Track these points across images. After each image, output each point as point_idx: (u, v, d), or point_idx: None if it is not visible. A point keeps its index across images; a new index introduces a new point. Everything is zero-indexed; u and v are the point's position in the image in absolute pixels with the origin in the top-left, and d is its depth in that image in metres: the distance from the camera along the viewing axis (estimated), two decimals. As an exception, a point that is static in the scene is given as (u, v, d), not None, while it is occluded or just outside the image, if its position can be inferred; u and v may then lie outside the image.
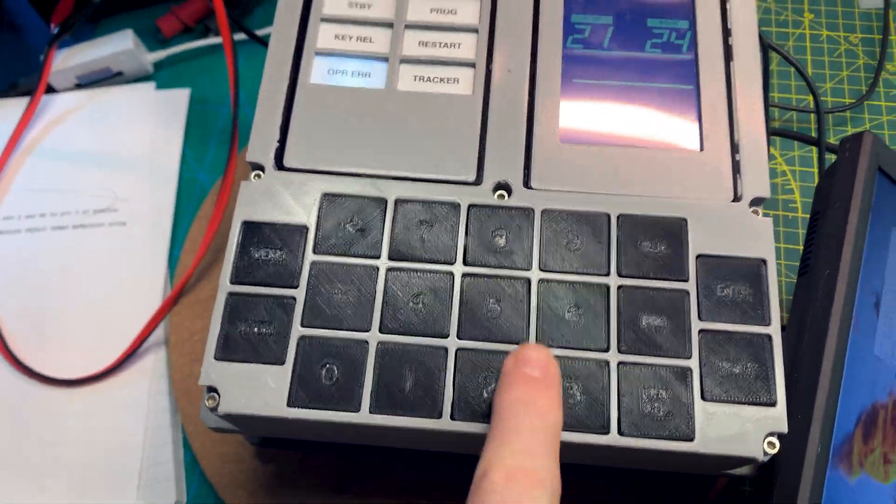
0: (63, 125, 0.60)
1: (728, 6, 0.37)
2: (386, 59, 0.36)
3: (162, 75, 0.63)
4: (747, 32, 0.36)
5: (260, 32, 0.58)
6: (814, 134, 0.55)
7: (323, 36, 0.37)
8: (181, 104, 0.61)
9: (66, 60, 0.60)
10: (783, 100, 0.58)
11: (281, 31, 0.36)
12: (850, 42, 0.60)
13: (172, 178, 0.57)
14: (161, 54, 0.62)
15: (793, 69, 0.59)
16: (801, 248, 0.52)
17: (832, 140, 0.56)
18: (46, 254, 0.54)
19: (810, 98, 0.57)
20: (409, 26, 0.37)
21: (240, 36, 0.62)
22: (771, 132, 0.50)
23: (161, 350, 0.51)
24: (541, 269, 0.32)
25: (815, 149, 0.55)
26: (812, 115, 0.57)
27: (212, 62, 0.63)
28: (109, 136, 0.59)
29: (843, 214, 0.36)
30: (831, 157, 0.42)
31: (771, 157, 0.56)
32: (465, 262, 0.32)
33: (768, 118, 0.48)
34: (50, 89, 0.61)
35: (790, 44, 0.60)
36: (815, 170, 0.48)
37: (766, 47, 0.45)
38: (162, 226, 0.55)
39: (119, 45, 0.60)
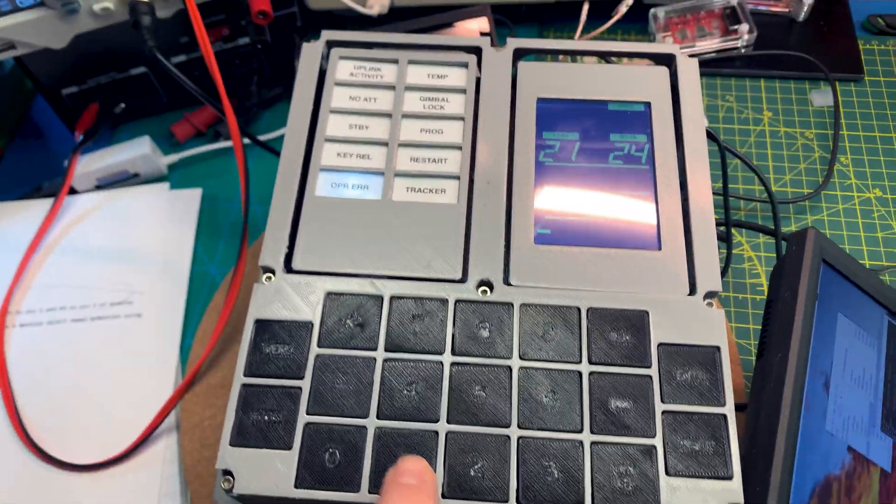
0: (83, 224, 0.65)
1: (682, 123, 0.42)
2: (382, 174, 0.41)
3: (175, 176, 0.68)
4: (697, 146, 0.41)
5: (264, 137, 0.64)
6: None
7: (327, 154, 0.42)
8: (193, 203, 0.66)
9: (88, 165, 0.66)
10: (748, 191, 0.63)
11: (290, 150, 0.42)
12: (805, 137, 0.66)
13: (184, 272, 0.62)
14: (175, 157, 0.68)
15: (755, 163, 0.65)
16: (769, 328, 0.56)
17: (793, 228, 0.61)
18: (66, 345, 0.58)
19: (773, 188, 0.63)
20: (401, 145, 0.42)
21: (263, 137, 0.68)
22: (734, 224, 0.54)
23: (173, 435, 0.54)
24: (520, 358, 0.36)
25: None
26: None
27: (221, 164, 0.69)
28: (126, 234, 0.64)
29: (792, 303, 0.40)
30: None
31: (738, 245, 0.60)
32: (453, 353, 0.36)
33: (728, 211, 0.53)
34: (71, 191, 0.66)
35: (752, 139, 0.66)
36: (776, 252, 0.53)
37: (723, 149, 0.51)
38: (174, 317, 0.59)
39: (137, 151, 0.66)
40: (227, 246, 0.64)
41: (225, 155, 0.69)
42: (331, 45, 0.46)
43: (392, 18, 0.66)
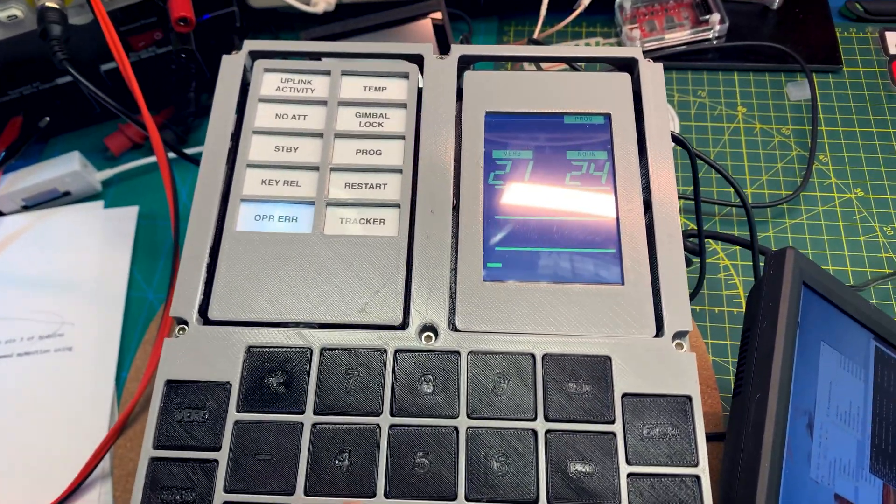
0: (8, 249, 0.60)
1: (646, 136, 0.38)
2: (312, 203, 0.36)
3: (111, 193, 0.63)
4: (663, 162, 0.37)
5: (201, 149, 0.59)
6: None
7: (249, 182, 0.37)
8: (129, 222, 0.61)
9: (13, 184, 0.60)
10: (722, 194, 0.59)
11: (206, 178, 0.37)
12: (782, 134, 0.62)
13: (120, 299, 0.57)
14: (109, 172, 0.63)
15: (729, 162, 0.61)
16: (747, 344, 0.53)
17: (770, 233, 0.57)
18: (-10, 384, 0.53)
19: (748, 190, 0.59)
20: (335, 169, 0.37)
21: (187, 150, 0.63)
22: (707, 235, 0.51)
23: (107, 483, 0.49)
24: (468, 417, 0.31)
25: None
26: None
27: (160, 178, 0.64)
28: (56, 259, 0.59)
29: (771, 333, 0.36)
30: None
31: (713, 253, 0.57)
32: (392, 413, 0.31)
33: (701, 222, 0.49)
34: (-4, 212, 0.61)
35: (725, 137, 0.62)
36: (753, 265, 0.49)
37: (693, 157, 0.47)
38: (108, 350, 0.55)
39: (66, 168, 0.60)
40: (167, 269, 0.59)
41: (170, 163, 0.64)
42: (254, 55, 0.41)
43: (339, 16, 0.61)
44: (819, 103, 0.63)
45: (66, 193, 0.62)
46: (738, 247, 0.57)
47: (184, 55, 0.48)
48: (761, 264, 0.53)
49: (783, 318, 0.37)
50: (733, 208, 0.58)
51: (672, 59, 0.65)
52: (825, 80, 0.65)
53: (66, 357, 0.54)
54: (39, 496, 0.48)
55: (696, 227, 0.49)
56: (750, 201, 0.57)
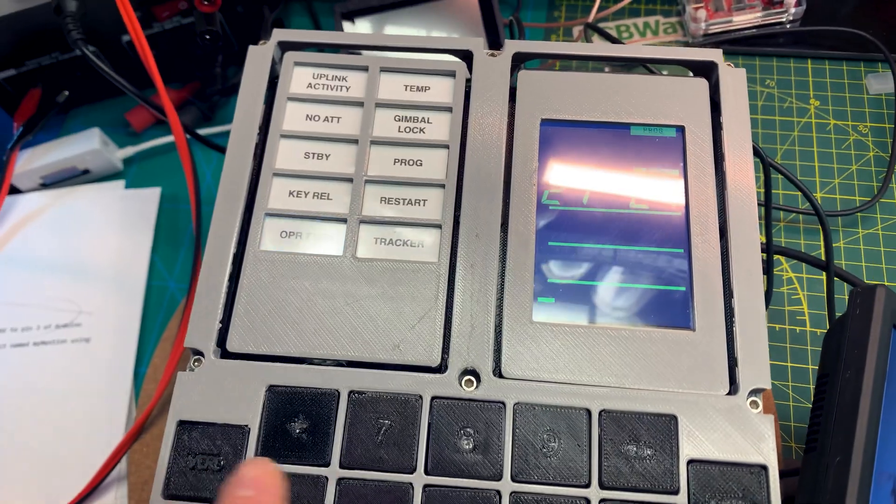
0: (26, 229, 0.57)
1: (723, 152, 0.33)
2: (345, 220, 0.33)
3: (132, 172, 0.60)
4: (743, 183, 0.33)
5: (229, 127, 0.55)
6: (822, 244, 0.51)
7: (276, 193, 0.33)
8: (151, 204, 0.58)
9: (31, 161, 0.58)
10: (786, 198, 0.54)
11: (228, 188, 0.33)
12: (859, 132, 0.56)
13: (139, 288, 0.54)
14: (131, 150, 0.59)
15: (798, 162, 0.55)
16: (811, 367, 0.48)
17: (841, 244, 0.52)
18: (5, 374, 0.51)
19: (818, 195, 0.54)
20: (370, 181, 0.33)
21: (212, 129, 0.59)
22: (777, 251, 0.46)
23: (123, 486, 0.47)
24: (513, 480, 0.28)
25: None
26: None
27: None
28: (75, 242, 0.56)
29: (856, 385, 0.32)
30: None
31: (777, 264, 0.52)
32: (426, 471, 0.28)
33: (770, 238, 0.44)
34: (13, 190, 0.58)
35: (795, 133, 0.57)
36: (825, 294, 0.45)
37: (767, 166, 0.42)
38: (127, 343, 0.52)
39: (85, 145, 0.57)
40: (188, 255, 0.56)
41: (194, 144, 0.60)
42: (284, 47, 0.36)
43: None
44: (903, 98, 0.57)
45: (86, 171, 0.59)
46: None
47: (208, 36, 0.44)
48: (840, 296, 0.48)
49: (870, 369, 0.32)
50: (799, 215, 0.53)
51: (739, 44, 0.60)
52: (910, 71, 0.58)
53: (83, 349, 0.52)
54: (52, 496, 0.46)
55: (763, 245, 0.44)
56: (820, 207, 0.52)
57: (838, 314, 0.46)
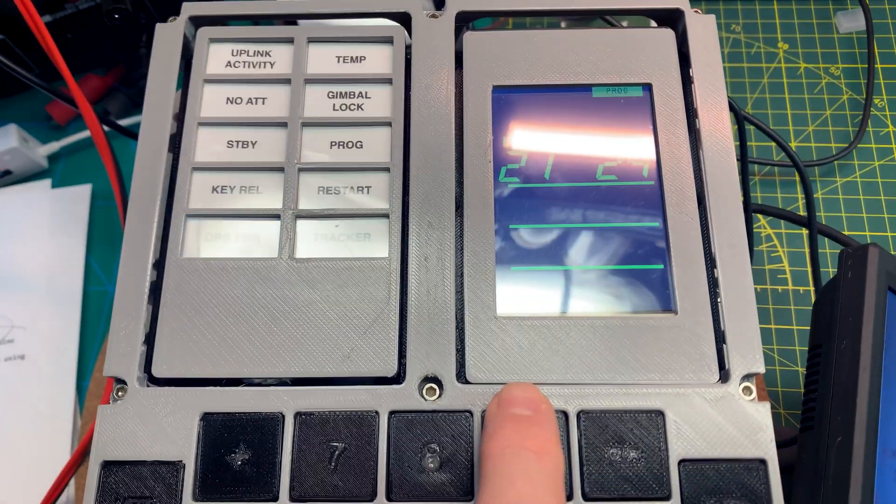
0: (-55, 240, 0.52)
1: (696, 110, 0.30)
2: (278, 216, 0.29)
3: (59, 169, 0.55)
4: (720, 142, 0.29)
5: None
6: (800, 196, 0.49)
7: (197, 190, 0.29)
8: (82, 203, 0.53)
9: (-57, 164, 0.52)
10: (760, 149, 0.51)
11: (142, 189, 0.29)
12: (831, 74, 0.53)
13: (76, 296, 0.50)
14: (55, 146, 0.54)
15: (770, 111, 0.52)
16: (796, 328, 0.46)
17: (819, 195, 0.50)
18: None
19: (793, 144, 0.51)
20: (304, 169, 0.29)
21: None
22: (754, 209, 0.43)
23: (72, 511, 0.44)
24: (485, 498, 0.25)
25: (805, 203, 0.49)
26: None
27: (116, 148, 0.55)
28: (1, 251, 0.52)
29: (853, 357, 0.30)
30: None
31: (755, 221, 0.49)
32: (388, 497, 0.25)
33: (748, 194, 0.41)
34: (-73, 198, 0.53)
35: (764, 80, 0.54)
36: (807, 251, 0.42)
37: (741, 119, 0.38)
38: (66, 356, 0.48)
39: (1, 144, 0.52)
40: (127, 258, 0.51)
41: (119, 137, 0.55)
42: (197, 22, 0.32)
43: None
44: (874, 35, 0.54)
45: (7, 172, 0.54)
46: (784, 216, 0.49)
47: (117, 16, 0.39)
48: (823, 251, 0.45)
49: (868, 339, 0.30)
50: (775, 167, 0.50)
51: (701, -12, 0.56)
52: (881, 6, 0.55)
53: (18, 367, 0.48)
54: (-2, 526, 0.43)
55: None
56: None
57: (823, 271, 0.44)
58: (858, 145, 0.50)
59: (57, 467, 0.43)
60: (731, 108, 0.37)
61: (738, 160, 0.39)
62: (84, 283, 0.51)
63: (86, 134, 0.54)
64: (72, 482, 0.43)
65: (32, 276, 0.51)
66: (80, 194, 0.54)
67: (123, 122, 0.54)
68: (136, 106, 0.56)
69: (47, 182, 0.54)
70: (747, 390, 0.26)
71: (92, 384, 0.46)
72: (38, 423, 0.46)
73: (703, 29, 0.31)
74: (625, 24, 0.41)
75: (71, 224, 0.53)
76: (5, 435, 0.46)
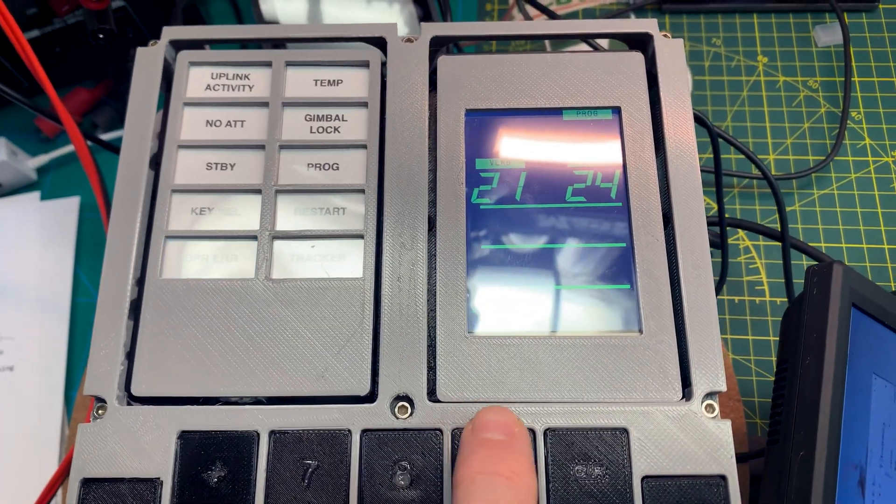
0: (-66, 253, 0.53)
1: (664, 133, 0.31)
2: (255, 237, 0.29)
3: (47, 181, 0.56)
4: (687, 165, 0.30)
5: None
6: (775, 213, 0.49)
7: (176, 212, 0.30)
8: (70, 215, 0.54)
9: (-68, 177, 0.53)
10: (740, 162, 0.52)
11: (122, 211, 0.30)
12: (809, 87, 0.54)
13: (64, 307, 0.51)
14: (44, 158, 0.55)
15: (749, 124, 0.53)
16: (772, 339, 0.47)
17: (796, 206, 0.51)
18: (-79, 414, 0.47)
19: (771, 157, 0.52)
20: (281, 191, 0.30)
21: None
22: (730, 223, 0.44)
23: (60, 523, 0.44)
24: (454, 515, 0.25)
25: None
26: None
27: (103, 161, 0.56)
28: (-11, 262, 0.52)
29: (816, 372, 0.30)
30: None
31: (733, 233, 0.50)
32: (360, 514, 0.26)
33: (722, 209, 0.42)
34: (-83, 210, 0.54)
35: (744, 93, 0.54)
36: (783, 264, 0.43)
37: (715, 137, 0.39)
38: (55, 368, 0.49)
39: (-9, 157, 0.53)
40: (115, 270, 0.52)
41: (107, 150, 0.56)
42: (178, 46, 0.33)
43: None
44: (852, 49, 0.55)
45: (-4, 185, 0.54)
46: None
47: (101, 35, 0.40)
48: (803, 264, 0.46)
49: (831, 355, 0.30)
50: (754, 180, 0.51)
51: (681, 2, 0.57)
52: (858, 20, 0.56)
53: (6, 378, 0.48)
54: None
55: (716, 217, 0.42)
56: (773, 172, 0.50)
57: (797, 282, 0.45)
58: (835, 158, 0.51)
59: (44, 478, 0.44)
60: (705, 125, 0.38)
61: (710, 171, 0.40)
62: (72, 295, 0.51)
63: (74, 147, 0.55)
64: (59, 493, 0.44)
65: (21, 288, 0.51)
66: (69, 206, 0.54)
67: (111, 135, 0.55)
68: (124, 119, 0.57)
69: (36, 194, 0.55)
70: (710, 408, 0.27)
71: (79, 396, 0.47)
72: (26, 433, 0.47)
73: (670, 53, 0.32)
74: (604, 44, 0.42)
75: (59, 236, 0.53)
76: (-7, 445, 0.46)
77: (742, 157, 0.52)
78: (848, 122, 0.53)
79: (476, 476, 0.22)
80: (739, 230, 0.50)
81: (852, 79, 0.54)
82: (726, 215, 0.46)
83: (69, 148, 0.55)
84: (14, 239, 0.53)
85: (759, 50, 0.56)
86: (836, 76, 0.54)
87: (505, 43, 0.52)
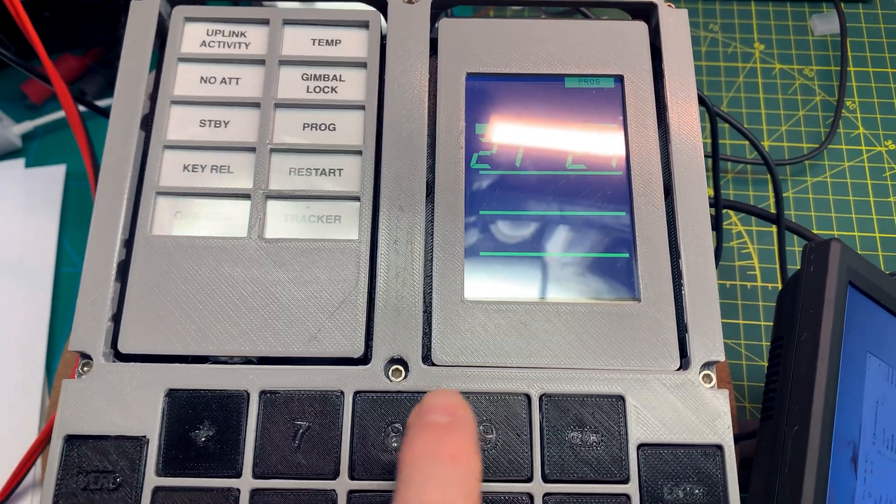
0: (-85, 218, 0.52)
1: (667, 103, 0.30)
2: (248, 196, 0.29)
3: (33, 149, 0.55)
4: (688, 136, 0.30)
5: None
6: (771, 195, 0.49)
7: (168, 168, 0.29)
8: (56, 183, 0.53)
9: (-87, 141, 0.52)
10: (734, 147, 0.52)
11: (112, 166, 0.29)
12: (804, 75, 0.54)
13: (47, 277, 0.50)
14: (29, 125, 0.54)
15: (744, 110, 0.53)
16: (763, 324, 0.47)
17: (790, 193, 0.51)
18: None
19: (766, 143, 0.51)
20: (276, 150, 0.30)
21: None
22: (725, 205, 0.44)
23: (38, 493, 0.43)
24: (446, 478, 0.25)
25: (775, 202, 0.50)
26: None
27: (92, 129, 0.55)
28: (-29, 229, 0.51)
29: (812, 349, 0.30)
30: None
31: (726, 217, 0.50)
32: (351, 475, 0.25)
33: (719, 191, 0.42)
34: None
35: (740, 80, 0.54)
36: (776, 248, 0.43)
37: (713, 115, 0.39)
38: (37, 338, 0.48)
39: (-25, 122, 0.51)
40: (100, 240, 0.51)
41: (96, 118, 0.55)
42: (172, 2, 0.32)
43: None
44: (848, 38, 0.55)
45: (-20, 151, 0.53)
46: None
47: (94, -5, 0.39)
48: (791, 248, 0.46)
49: (827, 331, 0.30)
50: (748, 165, 0.51)
51: (681, -13, 0.57)
52: (855, 10, 0.56)
53: (-14, 348, 0.47)
54: (-37, 506, 0.42)
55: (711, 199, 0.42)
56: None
57: (790, 268, 0.45)
58: (829, 146, 0.51)
59: (24, 447, 0.43)
60: (704, 103, 0.38)
61: (708, 156, 0.40)
62: (56, 264, 0.50)
63: (61, 114, 0.54)
64: (38, 462, 0.43)
65: (3, 255, 0.50)
66: (55, 174, 0.53)
67: (99, 104, 0.54)
68: (112, 87, 0.56)
69: (20, 161, 0.54)
70: (707, 378, 0.27)
71: (61, 365, 0.46)
72: (7, 402, 0.46)
73: (675, 23, 0.31)
74: (605, 17, 0.41)
75: (44, 204, 0.52)
76: (-28, 414, 0.45)
77: (734, 142, 0.52)
78: (843, 111, 0.53)
79: (417, 458, 0.22)
80: (732, 215, 0.50)
81: (848, 68, 0.54)
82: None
83: (56, 115, 0.54)
84: (-3, 205, 0.52)
85: (755, 37, 0.56)
86: (832, 65, 0.55)
87: (501, 10, 0.51)
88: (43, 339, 0.47)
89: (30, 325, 0.48)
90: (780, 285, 0.47)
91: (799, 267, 0.33)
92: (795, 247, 0.47)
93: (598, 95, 0.31)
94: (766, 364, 0.45)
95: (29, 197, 0.52)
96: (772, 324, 0.47)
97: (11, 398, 0.46)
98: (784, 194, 0.50)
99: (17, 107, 0.55)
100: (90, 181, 0.43)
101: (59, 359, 0.47)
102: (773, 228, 0.48)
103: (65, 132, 0.55)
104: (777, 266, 0.47)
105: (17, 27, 0.39)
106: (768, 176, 0.50)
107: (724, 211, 0.49)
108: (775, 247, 0.43)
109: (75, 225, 0.52)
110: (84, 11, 0.53)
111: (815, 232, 0.48)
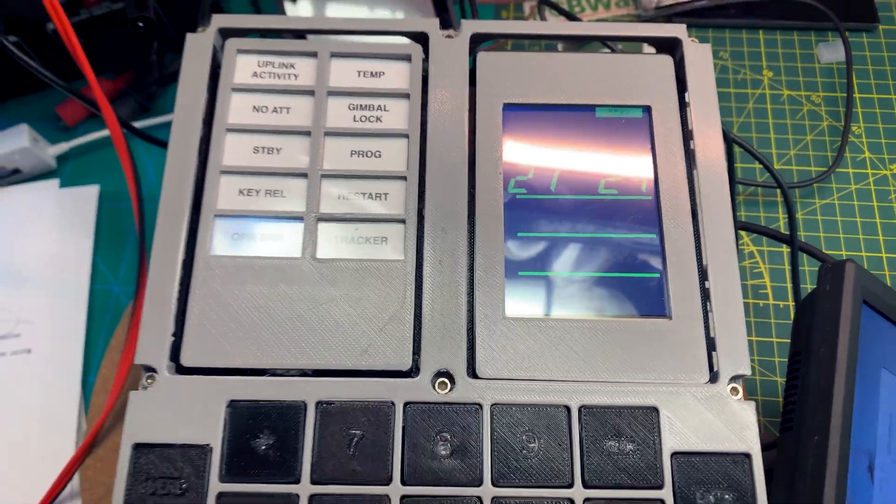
0: (-47, 236, 0.53)
1: (692, 131, 0.32)
2: (301, 219, 0.31)
3: (67, 169, 0.56)
4: (714, 163, 0.32)
5: (168, 118, 0.52)
6: (781, 216, 0.51)
7: (225, 192, 0.31)
8: (89, 203, 0.55)
9: (-47, 162, 0.54)
10: (746, 172, 0.54)
11: (172, 189, 0.31)
12: (812, 102, 0.57)
13: (82, 294, 0.51)
14: (65, 146, 0.56)
15: (754, 134, 0.55)
16: (775, 341, 0.48)
17: (799, 216, 0.52)
18: (-61, 393, 0.48)
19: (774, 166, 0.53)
20: (326, 175, 0.31)
21: (151, 121, 0.56)
22: (739, 226, 0.45)
23: (77, 503, 0.45)
24: (493, 484, 0.27)
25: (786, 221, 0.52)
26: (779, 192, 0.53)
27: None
28: (8, 247, 0.53)
29: (829, 363, 0.32)
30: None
31: (738, 237, 0.52)
32: (403, 481, 0.27)
33: (735, 212, 0.43)
34: (-64, 194, 0.54)
35: (750, 105, 0.56)
36: (787, 267, 0.44)
37: (728, 141, 0.41)
38: (72, 352, 0.49)
39: (14, 143, 0.53)
40: (133, 256, 0.53)
41: (133, 138, 0.57)
42: (225, 34, 0.34)
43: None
44: (854, 66, 0.57)
45: (16, 171, 0.55)
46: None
47: (141, 24, 0.41)
48: (802, 269, 0.48)
49: (844, 346, 0.32)
50: (758, 188, 0.53)
51: (691, 16, 0.59)
52: (859, 39, 0.59)
53: (24, 361, 0.49)
54: (1, 518, 0.44)
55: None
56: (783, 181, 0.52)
57: (802, 286, 0.47)
58: (837, 170, 0.53)
59: (61, 461, 0.44)
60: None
61: (725, 180, 0.42)
62: (91, 282, 0.52)
63: (95, 136, 0.56)
64: (76, 476, 0.45)
65: (39, 273, 0.52)
66: (88, 195, 0.55)
67: (137, 125, 0.56)
68: (144, 111, 0.58)
69: (55, 182, 0.55)
70: (734, 390, 0.28)
71: (98, 381, 0.47)
72: (43, 415, 0.47)
73: (699, 57, 0.33)
74: (619, 47, 0.44)
75: (78, 223, 0.54)
76: (10, 427, 0.47)
77: (744, 165, 0.54)
78: (849, 136, 0.55)
79: None
80: (744, 236, 0.52)
81: (854, 95, 0.56)
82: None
83: (90, 137, 0.56)
84: (34, 224, 0.53)
85: (764, 64, 0.58)
86: (838, 92, 0.57)
87: (518, 43, 0.53)
88: (79, 353, 0.49)
89: (65, 340, 0.49)
90: (791, 303, 0.48)
91: (811, 286, 0.35)
92: (806, 266, 0.49)
93: (628, 124, 0.33)
94: (778, 379, 0.47)
95: (63, 216, 0.54)
96: (783, 340, 0.48)
97: (48, 414, 0.47)
98: (797, 214, 0.52)
99: (51, 128, 0.57)
100: (132, 199, 0.45)
101: (94, 373, 0.48)
102: (784, 248, 0.50)
103: (98, 153, 0.57)
104: (789, 285, 0.49)
105: (53, 52, 0.40)
106: (778, 198, 0.52)
107: (738, 231, 0.51)
108: (787, 266, 0.45)
109: (108, 243, 0.54)
110: (119, 38, 0.55)
111: (825, 252, 0.50)
